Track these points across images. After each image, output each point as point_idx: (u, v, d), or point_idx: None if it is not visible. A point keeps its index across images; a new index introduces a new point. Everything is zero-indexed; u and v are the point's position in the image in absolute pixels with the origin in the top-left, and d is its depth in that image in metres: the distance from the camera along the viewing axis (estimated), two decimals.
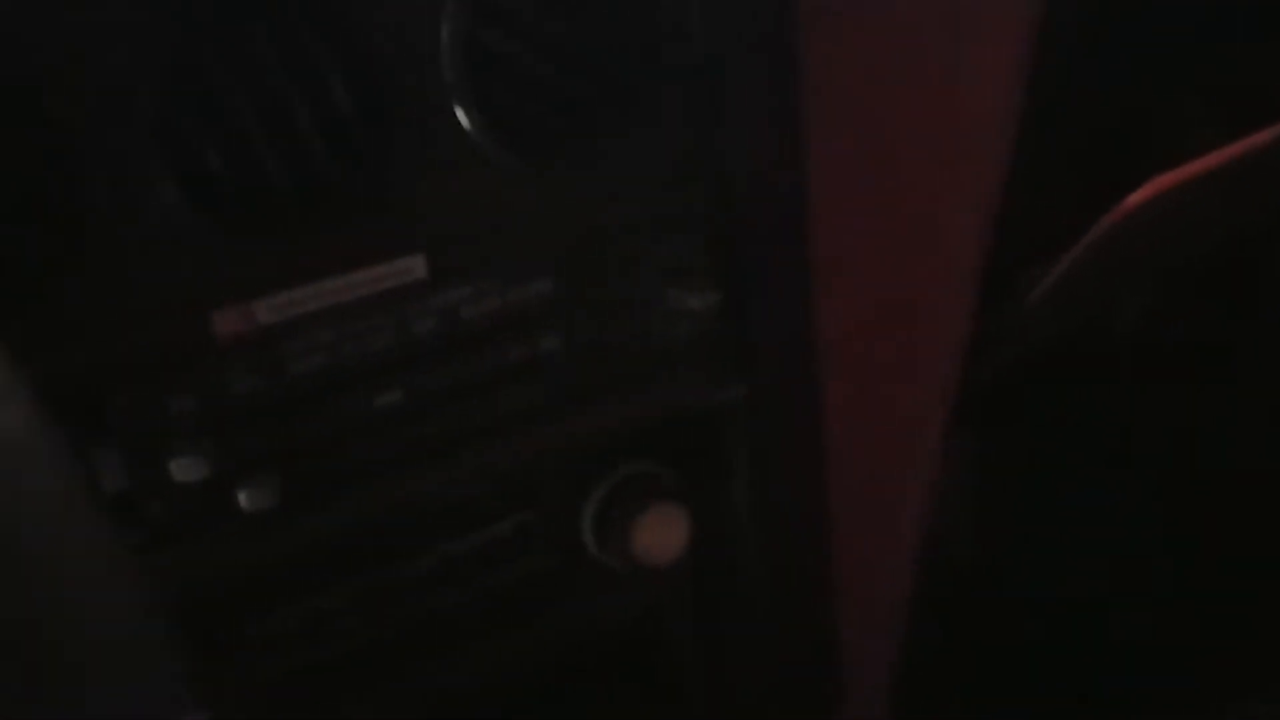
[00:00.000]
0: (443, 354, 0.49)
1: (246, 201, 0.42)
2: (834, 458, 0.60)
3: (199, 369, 0.44)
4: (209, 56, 0.41)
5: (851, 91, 0.53)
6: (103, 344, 0.42)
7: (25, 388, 0.26)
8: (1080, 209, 0.65)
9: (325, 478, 0.47)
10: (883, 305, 0.59)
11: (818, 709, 0.68)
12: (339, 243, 0.45)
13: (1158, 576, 1.07)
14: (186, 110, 0.41)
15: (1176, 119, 0.74)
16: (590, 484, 0.55)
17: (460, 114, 0.46)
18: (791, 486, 0.61)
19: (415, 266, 0.47)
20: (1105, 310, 0.99)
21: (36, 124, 0.39)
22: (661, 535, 0.54)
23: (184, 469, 0.44)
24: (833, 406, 0.59)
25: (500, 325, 0.49)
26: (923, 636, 0.72)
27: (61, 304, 0.41)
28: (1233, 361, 1.04)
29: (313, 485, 0.47)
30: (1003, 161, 0.57)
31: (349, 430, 0.48)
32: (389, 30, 0.44)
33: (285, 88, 0.42)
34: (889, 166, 0.56)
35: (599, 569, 0.56)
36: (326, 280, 0.45)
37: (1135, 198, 0.62)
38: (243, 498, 0.45)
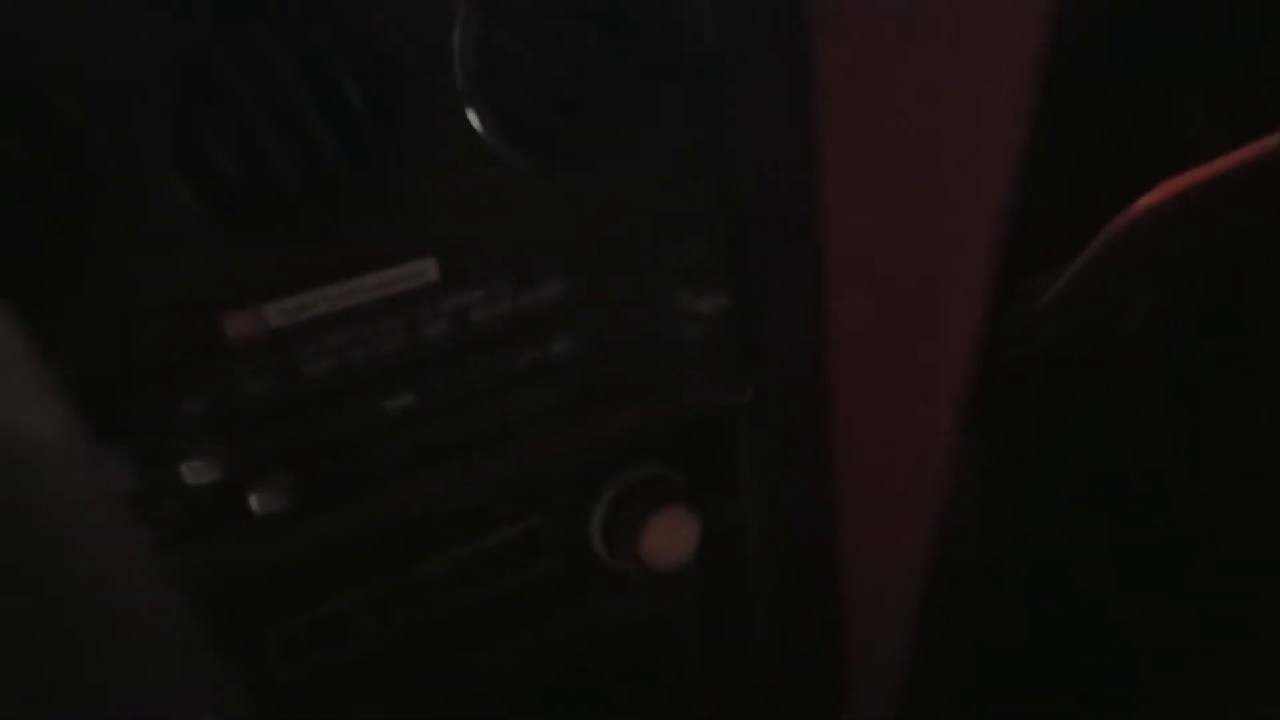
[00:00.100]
0: (454, 357, 0.49)
1: (257, 203, 0.42)
2: (844, 460, 0.60)
3: (210, 372, 0.44)
4: (219, 58, 0.41)
5: (863, 94, 0.53)
6: (113, 347, 0.42)
7: (58, 387, 0.25)
8: (1087, 212, 0.65)
9: (336, 481, 0.47)
10: (894, 307, 0.58)
11: (823, 710, 0.68)
12: (350, 245, 0.45)
13: (1158, 577, 1.07)
14: (197, 111, 0.41)
15: (1184, 121, 0.74)
16: (600, 487, 0.55)
17: (471, 115, 0.46)
18: (800, 489, 0.61)
19: (427, 269, 0.47)
20: (1114, 312, 1.00)
21: (47, 125, 0.39)
22: (671, 538, 0.54)
23: (195, 472, 0.44)
24: (844, 409, 0.58)
25: (511, 328, 0.49)
26: (927, 636, 0.72)
27: (71, 307, 0.41)
28: (1237, 362, 1.04)
29: (324, 488, 0.47)
30: (1015, 163, 0.57)
31: (360, 434, 0.47)
32: (400, 31, 0.44)
33: (296, 88, 0.42)
34: (900, 168, 0.56)
35: (608, 572, 0.56)
36: (338, 283, 0.45)
37: (1145, 201, 0.62)
38: (254, 501, 0.45)
